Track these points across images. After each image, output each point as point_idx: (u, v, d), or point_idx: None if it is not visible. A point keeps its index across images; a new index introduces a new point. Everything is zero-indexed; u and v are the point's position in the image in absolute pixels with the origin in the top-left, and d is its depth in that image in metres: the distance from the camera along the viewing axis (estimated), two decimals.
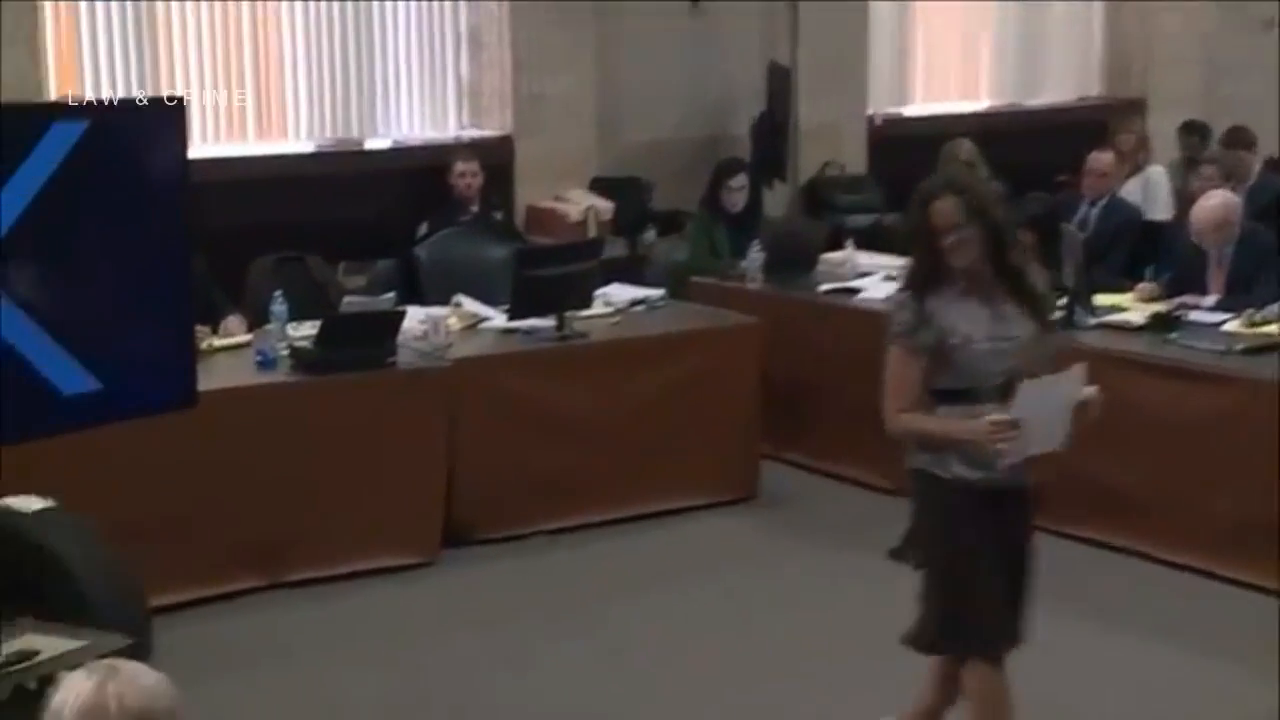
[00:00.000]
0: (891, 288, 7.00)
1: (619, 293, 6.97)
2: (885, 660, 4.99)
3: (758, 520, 6.42)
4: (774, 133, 8.95)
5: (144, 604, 4.14)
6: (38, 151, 3.22)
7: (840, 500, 6.64)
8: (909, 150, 8.87)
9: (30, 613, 3.89)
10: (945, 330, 3.66)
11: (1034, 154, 9.25)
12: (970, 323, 3.66)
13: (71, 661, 3.42)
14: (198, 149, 6.99)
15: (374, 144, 8.31)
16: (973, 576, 3.72)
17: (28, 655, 3.51)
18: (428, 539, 5.90)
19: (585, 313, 6.56)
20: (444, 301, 6.66)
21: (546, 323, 6.39)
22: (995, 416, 3.57)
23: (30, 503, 4.10)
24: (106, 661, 2.01)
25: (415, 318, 6.19)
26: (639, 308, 6.89)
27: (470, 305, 6.64)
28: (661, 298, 7.02)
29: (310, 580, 5.62)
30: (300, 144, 8.10)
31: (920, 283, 3.70)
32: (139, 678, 1.97)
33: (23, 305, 3.22)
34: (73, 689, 1.95)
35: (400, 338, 5.92)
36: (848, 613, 5.43)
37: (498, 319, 6.51)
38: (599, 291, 6.77)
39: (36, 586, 3.99)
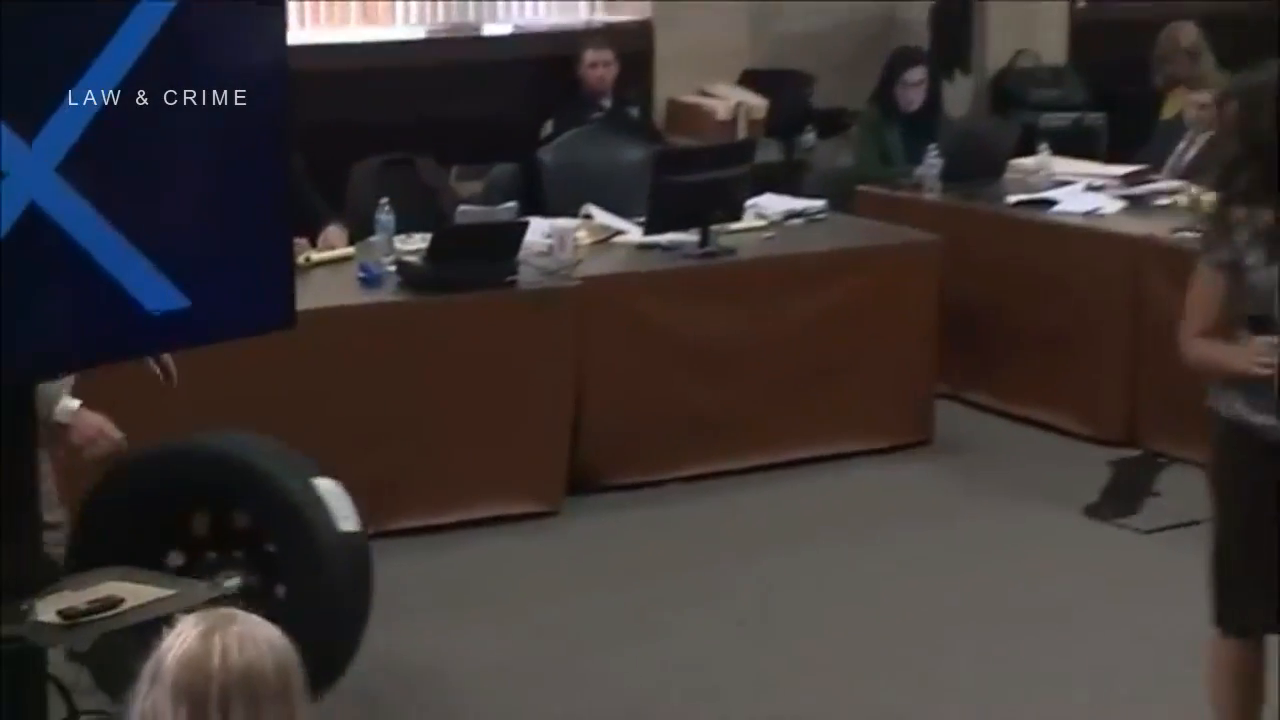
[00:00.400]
0: (1095, 200, 6.96)
1: (773, 203, 6.97)
2: (1078, 632, 4.99)
3: (932, 469, 6.42)
4: (957, 17, 8.84)
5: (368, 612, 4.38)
6: (119, 36, 3.29)
7: (1029, 447, 6.61)
8: (1118, 37, 8.71)
9: (239, 575, 4.22)
10: (1241, 248, 3.62)
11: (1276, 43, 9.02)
12: (1271, 242, 3.60)
13: (157, 611, 3.55)
14: (294, 34, 7.07)
15: (493, 30, 8.36)
16: (1232, 533, 3.69)
17: (110, 604, 3.64)
18: (550, 485, 5.98)
19: (734, 226, 6.57)
20: (571, 212, 6.71)
21: (689, 237, 6.42)
22: (1262, 339, 3.53)
23: (345, 516, 4.31)
24: (223, 610, 2.05)
25: (539, 230, 6.26)
26: (796, 221, 6.88)
27: (601, 216, 6.69)
28: (822, 209, 7.00)
29: (417, 529, 5.72)
30: (409, 30, 8.18)
31: (1227, 191, 3.67)
32: (253, 631, 2.02)
33: (103, 211, 3.31)
34: (179, 635, 2.01)
35: (521, 253, 5.99)
36: (1036, 578, 5.41)
37: (633, 232, 6.54)
38: (750, 202, 6.77)
39: (274, 560, 4.30)
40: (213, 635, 1.99)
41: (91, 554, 4.05)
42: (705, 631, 5.07)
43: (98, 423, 4.12)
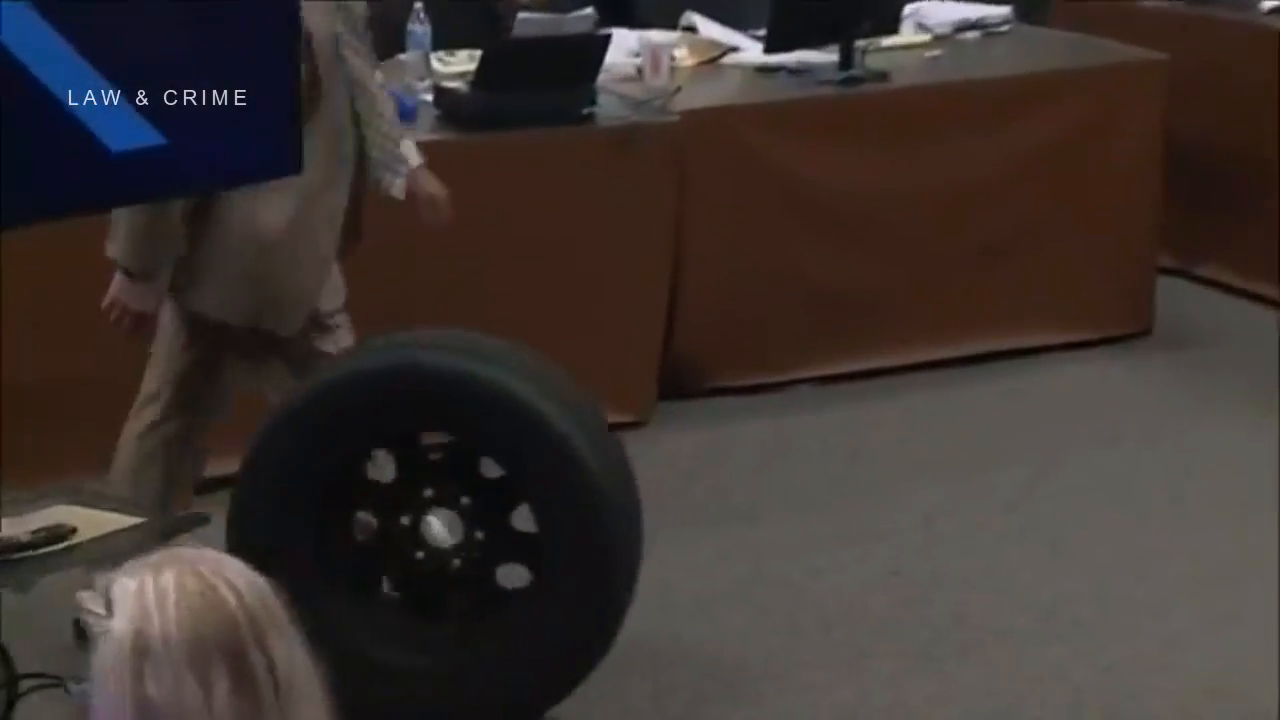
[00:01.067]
0: None
1: (939, 11, 6.95)
2: None
3: (1152, 367, 6.45)
4: None
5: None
6: None
7: None
8: None
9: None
10: None
11: None
12: None
13: (119, 544, 3.66)
14: None
15: None
16: None
17: (59, 535, 3.74)
18: (638, 387, 6.04)
19: (886, 42, 6.57)
20: (668, 23, 6.72)
21: (825, 57, 6.43)
22: None
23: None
24: (170, 550, 2.10)
25: (624, 47, 6.28)
26: (970, 35, 6.87)
27: (708, 28, 6.70)
28: (1006, 20, 6.98)
29: None
30: None
31: None
32: (222, 557, 2.09)
33: (51, 19, 3.37)
34: (157, 593, 2.03)
35: (602, 78, 6.03)
36: None
37: (749, 50, 6.56)
38: (908, 9, 6.77)
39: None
40: (199, 569, 2.05)
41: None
42: (845, 583, 5.13)
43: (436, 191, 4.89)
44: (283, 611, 2.08)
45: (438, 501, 4.42)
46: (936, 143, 6.37)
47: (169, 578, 2.05)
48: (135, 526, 3.83)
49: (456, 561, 4.39)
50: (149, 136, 3.48)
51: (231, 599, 2.04)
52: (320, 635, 2.46)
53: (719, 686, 4.67)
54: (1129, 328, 6.63)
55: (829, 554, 5.27)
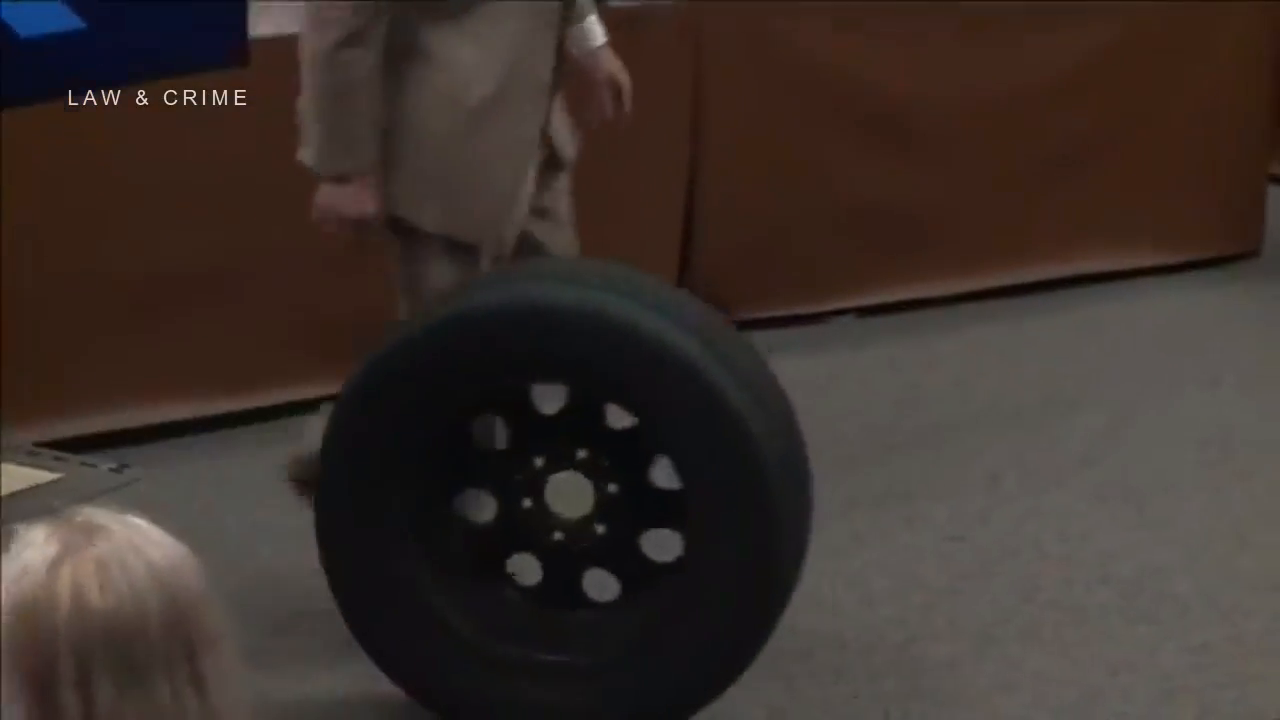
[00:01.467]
0: None
1: None
2: None
3: (1258, 294, 6.48)
4: None
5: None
6: None
7: None
8: None
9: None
10: None
11: None
12: None
13: (36, 501, 3.70)
14: None
15: None
16: None
17: None
18: None
19: None
20: None
21: None
22: None
23: None
24: (82, 517, 2.04)
25: None
26: None
27: None
28: None
29: None
30: None
31: None
32: (125, 549, 2.01)
33: None
34: (21, 564, 2.00)
35: None
36: None
37: None
38: None
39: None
40: (61, 566, 1.98)
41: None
42: (893, 551, 5.16)
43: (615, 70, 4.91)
44: (162, 645, 1.99)
45: (583, 468, 4.37)
46: (1002, 31, 6.38)
47: (43, 556, 2.00)
48: (51, 483, 3.87)
49: (558, 535, 4.36)
50: (64, 20, 3.50)
51: (64, 613, 1.97)
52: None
53: (746, 672, 4.68)
54: (1232, 248, 6.65)
55: (874, 516, 5.30)
